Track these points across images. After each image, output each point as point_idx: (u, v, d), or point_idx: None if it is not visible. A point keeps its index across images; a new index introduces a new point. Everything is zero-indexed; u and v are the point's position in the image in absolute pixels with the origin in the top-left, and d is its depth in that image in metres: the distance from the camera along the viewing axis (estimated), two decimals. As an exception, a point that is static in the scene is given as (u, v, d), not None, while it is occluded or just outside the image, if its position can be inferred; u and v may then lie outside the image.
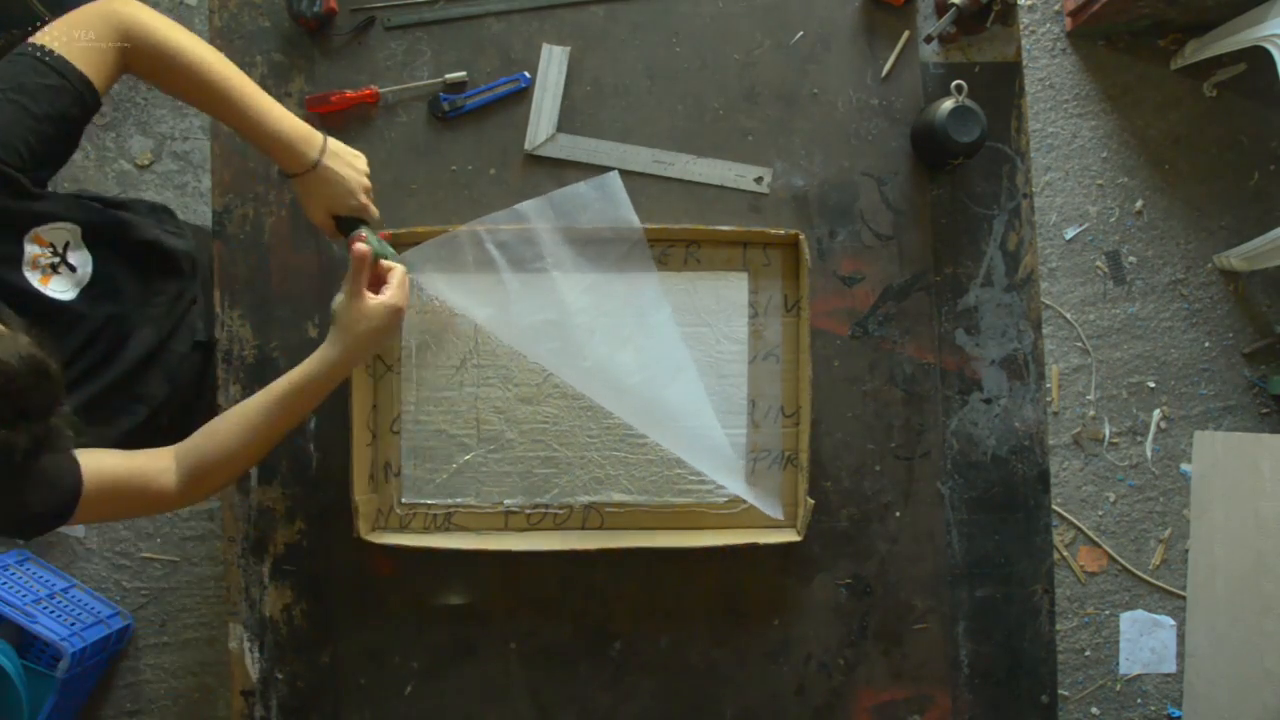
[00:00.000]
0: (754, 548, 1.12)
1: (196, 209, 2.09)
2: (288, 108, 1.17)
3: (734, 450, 1.15)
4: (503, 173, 1.19)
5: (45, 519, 0.85)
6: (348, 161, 1.01)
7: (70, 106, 0.85)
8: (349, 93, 1.17)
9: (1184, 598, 2.04)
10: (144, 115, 2.11)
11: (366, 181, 1.03)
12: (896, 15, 1.21)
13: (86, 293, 0.93)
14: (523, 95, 1.19)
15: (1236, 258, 2.03)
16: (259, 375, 1.16)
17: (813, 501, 1.11)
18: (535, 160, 1.19)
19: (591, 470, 1.16)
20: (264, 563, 1.15)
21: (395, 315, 0.99)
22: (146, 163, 2.10)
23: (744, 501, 1.15)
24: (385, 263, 1.02)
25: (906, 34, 1.21)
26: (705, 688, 1.16)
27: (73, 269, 0.91)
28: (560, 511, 1.16)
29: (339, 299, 0.99)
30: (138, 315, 1.01)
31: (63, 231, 0.90)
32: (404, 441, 1.16)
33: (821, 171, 1.20)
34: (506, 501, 1.16)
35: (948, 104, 1.12)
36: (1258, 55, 1.85)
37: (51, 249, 0.89)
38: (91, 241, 0.95)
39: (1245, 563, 1.86)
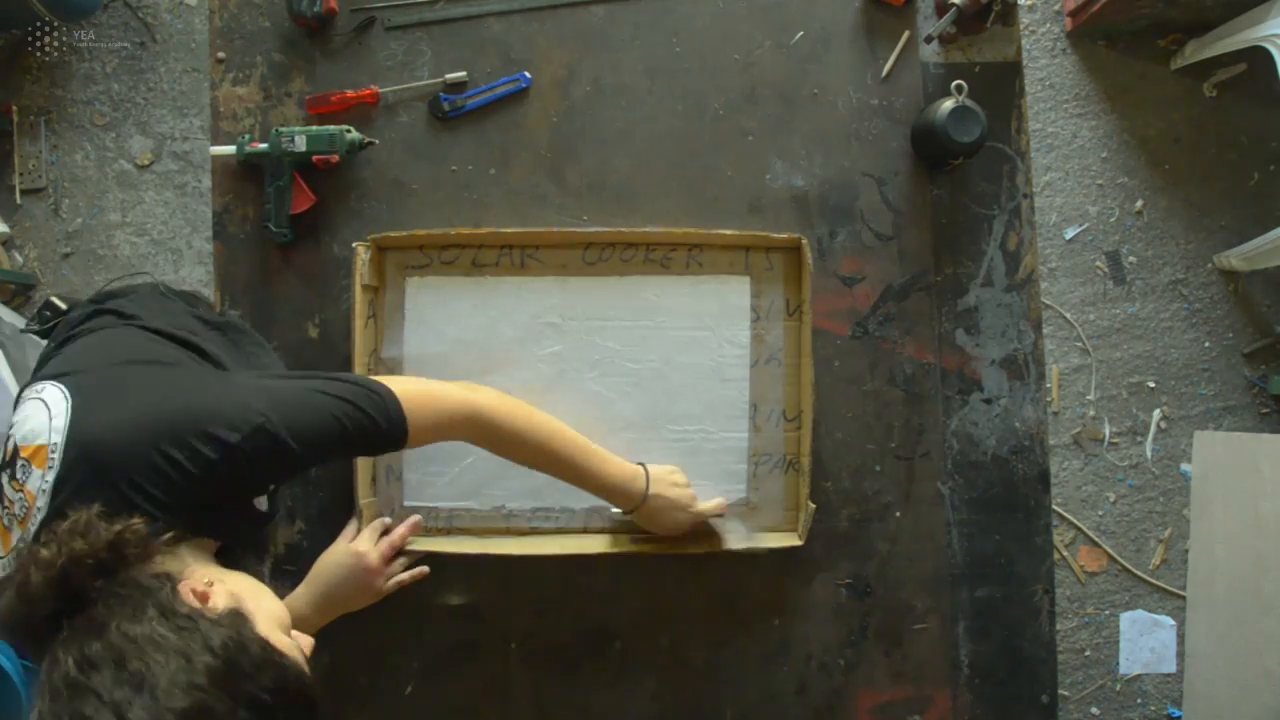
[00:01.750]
0: (755, 548, 1.12)
1: (196, 209, 2.09)
2: (288, 107, 1.19)
3: (735, 454, 1.15)
4: (503, 173, 1.19)
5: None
6: (670, 483, 1.08)
7: (377, 447, 0.91)
8: (349, 93, 1.17)
9: (1184, 598, 2.04)
10: (144, 115, 2.11)
11: (690, 494, 1.10)
12: (896, 15, 1.21)
13: (270, 497, 0.91)
14: (523, 95, 1.19)
15: (1236, 258, 2.03)
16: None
17: (814, 506, 1.11)
18: (536, 159, 1.19)
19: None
20: (264, 563, 1.15)
21: (358, 559, 1.06)
22: (146, 163, 2.10)
23: (745, 506, 1.15)
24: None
25: (906, 34, 1.21)
26: (705, 688, 1.16)
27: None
28: (561, 514, 1.16)
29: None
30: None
31: None
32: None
33: (821, 171, 1.20)
34: (508, 504, 1.16)
35: (948, 104, 1.12)
36: (1258, 55, 1.85)
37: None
38: None
39: (1245, 563, 1.86)
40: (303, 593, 1.06)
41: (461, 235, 1.14)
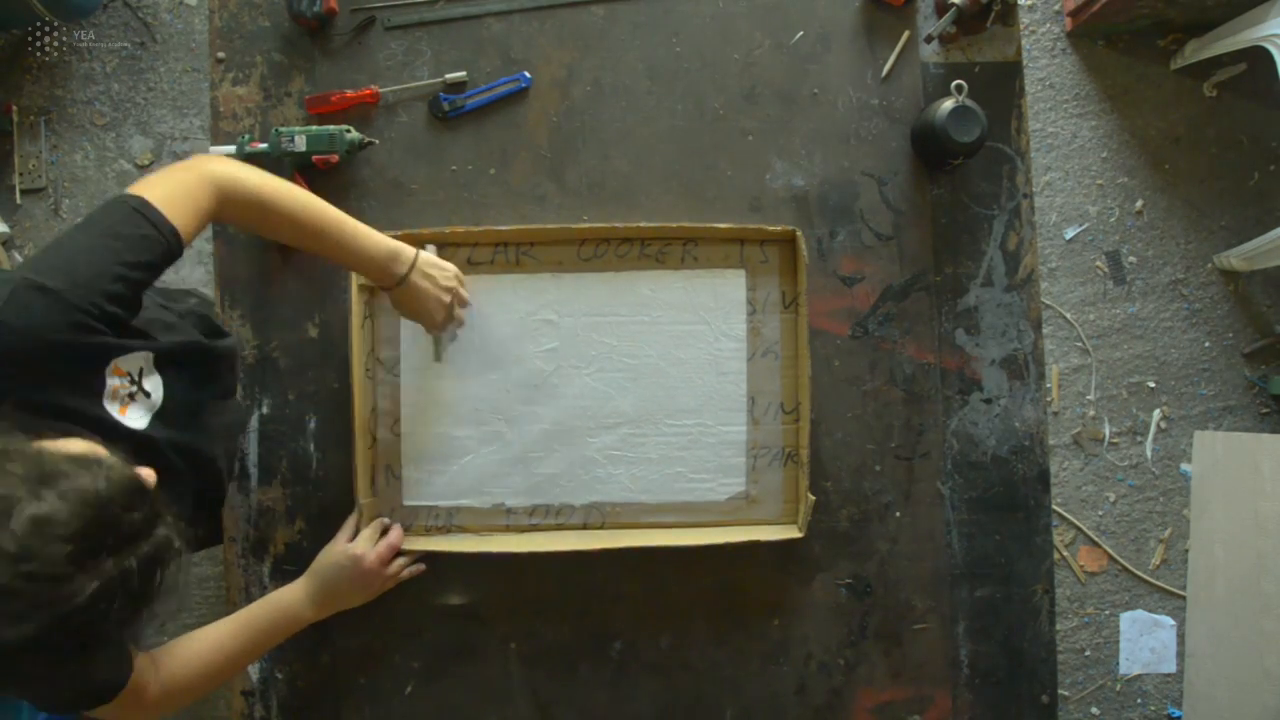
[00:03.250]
0: (755, 545, 1.12)
1: (196, 209, 2.09)
2: (288, 107, 1.19)
3: (734, 448, 1.16)
4: (503, 173, 1.19)
5: (89, 697, 0.86)
6: (432, 277, 1.06)
7: (159, 259, 0.87)
8: (349, 93, 1.17)
9: (1184, 598, 2.04)
10: (144, 115, 2.11)
11: (449, 296, 1.07)
12: (896, 15, 1.21)
13: (157, 418, 0.91)
14: (523, 95, 1.19)
15: (1236, 258, 2.03)
16: (259, 375, 1.16)
17: (814, 498, 1.11)
18: (536, 159, 1.19)
19: (592, 470, 1.16)
20: (264, 562, 1.15)
21: (355, 561, 1.07)
22: (146, 163, 2.10)
23: (745, 499, 1.15)
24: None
25: (906, 34, 1.21)
26: (705, 688, 1.16)
27: (147, 395, 0.90)
28: (561, 511, 1.16)
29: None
30: (204, 440, 1.00)
31: (137, 359, 0.89)
32: (404, 444, 1.15)
33: (821, 171, 1.20)
34: (508, 502, 1.16)
35: (948, 104, 1.12)
36: (1258, 55, 1.85)
37: (130, 378, 0.88)
38: (164, 365, 0.93)
39: (1245, 563, 1.86)
40: (301, 586, 1.07)
41: (457, 233, 1.14)
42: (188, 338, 0.99)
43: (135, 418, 0.88)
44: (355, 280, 1.10)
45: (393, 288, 1.05)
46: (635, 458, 1.16)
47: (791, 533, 1.12)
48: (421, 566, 1.13)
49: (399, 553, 1.11)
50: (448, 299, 1.07)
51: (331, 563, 1.08)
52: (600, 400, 1.16)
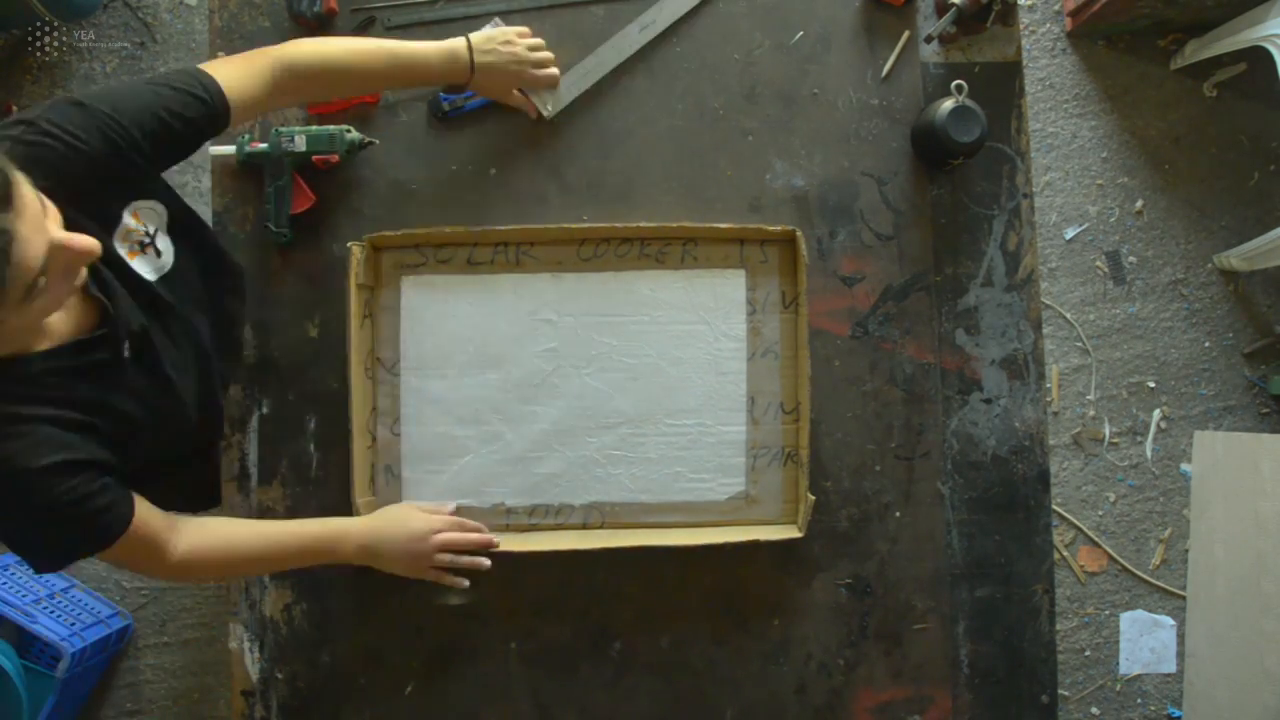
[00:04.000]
0: (755, 545, 1.12)
1: (196, 209, 2.08)
2: (288, 108, 1.19)
3: (733, 448, 1.16)
4: (503, 173, 1.19)
5: (83, 544, 0.85)
6: (496, 50, 1.10)
7: (202, 119, 0.91)
8: (349, 93, 1.17)
9: (1184, 598, 2.04)
10: (144, 115, 2.11)
11: (522, 55, 1.12)
12: (896, 15, 1.21)
13: (164, 281, 0.93)
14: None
15: (1236, 258, 2.03)
16: (258, 375, 1.16)
17: (813, 498, 1.11)
18: (536, 159, 1.19)
19: (591, 469, 1.16)
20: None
21: (422, 524, 1.07)
22: (146, 163, 2.10)
23: (745, 499, 1.15)
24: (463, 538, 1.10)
25: (906, 34, 1.21)
26: (705, 688, 1.16)
27: (158, 254, 0.93)
28: (561, 511, 1.16)
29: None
30: (199, 321, 1.01)
31: (154, 213, 0.92)
32: (404, 444, 1.15)
33: (821, 171, 1.20)
34: (507, 502, 1.16)
35: (948, 104, 1.12)
36: (1258, 55, 1.85)
37: (144, 228, 0.91)
38: (176, 233, 0.96)
39: (1245, 563, 1.85)
40: (357, 523, 1.07)
41: (457, 234, 1.14)
42: (201, 220, 1.02)
43: (143, 268, 0.90)
44: (354, 280, 1.10)
45: (468, 80, 1.09)
46: (635, 458, 1.16)
47: (791, 533, 1.12)
48: (465, 582, 1.10)
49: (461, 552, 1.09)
50: (520, 57, 1.11)
51: (399, 515, 1.08)
52: (600, 400, 1.16)
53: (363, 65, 1.03)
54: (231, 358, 1.13)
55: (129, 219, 0.89)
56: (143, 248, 0.91)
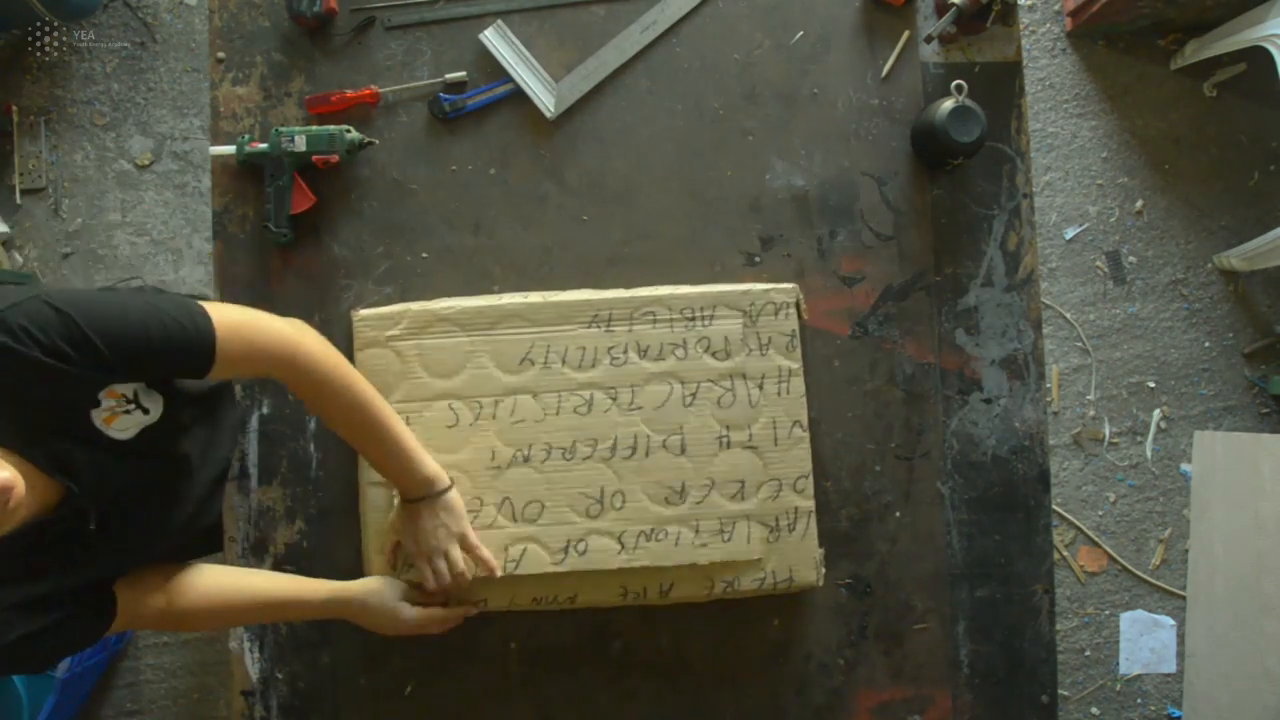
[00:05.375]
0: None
1: (196, 209, 2.09)
2: (287, 107, 1.19)
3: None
4: (503, 173, 1.19)
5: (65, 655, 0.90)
6: (443, 521, 1.04)
7: (181, 362, 0.86)
8: (349, 93, 1.17)
9: (1184, 598, 2.04)
10: (144, 115, 2.11)
11: (456, 546, 1.04)
12: (896, 15, 1.21)
13: (148, 432, 0.88)
14: (523, 95, 1.19)
15: (1236, 258, 2.03)
16: (258, 377, 1.16)
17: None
18: (536, 159, 1.19)
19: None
20: (264, 562, 1.15)
21: (403, 623, 1.05)
22: (146, 163, 2.10)
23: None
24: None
25: (906, 34, 1.21)
26: (705, 688, 1.16)
27: (145, 411, 0.88)
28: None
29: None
30: (198, 458, 0.99)
31: (132, 384, 0.87)
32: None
33: (821, 171, 1.20)
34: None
35: (948, 104, 1.12)
36: (1258, 55, 1.85)
37: (124, 398, 0.86)
38: (160, 387, 0.92)
39: (1245, 563, 1.86)
40: (345, 593, 1.05)
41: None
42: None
43: (120, 429, 0.85)
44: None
45: (411, 502, 1.04)
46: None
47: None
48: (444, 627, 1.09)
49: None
50: (442, 549, 1.03)
51: (389, 611, 1.05)
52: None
53: (360, 420, 0.99)
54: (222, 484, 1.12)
55: (107, 400, 0.84)
56: (127, 413, 0.86)
